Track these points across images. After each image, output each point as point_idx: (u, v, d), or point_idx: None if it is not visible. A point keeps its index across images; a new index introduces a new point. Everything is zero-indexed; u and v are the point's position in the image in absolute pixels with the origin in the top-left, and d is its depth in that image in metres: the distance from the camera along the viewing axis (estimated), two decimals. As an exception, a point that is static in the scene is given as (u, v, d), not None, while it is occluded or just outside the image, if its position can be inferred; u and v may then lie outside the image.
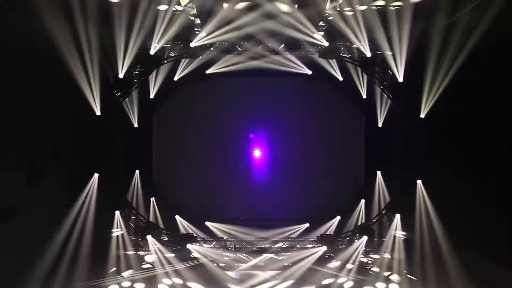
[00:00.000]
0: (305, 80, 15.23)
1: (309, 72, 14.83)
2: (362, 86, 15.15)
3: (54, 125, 11.64)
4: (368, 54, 12.58)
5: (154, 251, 12.86)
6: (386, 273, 12.07)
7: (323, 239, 13.37)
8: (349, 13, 11.82)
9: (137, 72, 13.02)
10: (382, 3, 11.38)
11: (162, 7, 11.55)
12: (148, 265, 12.82)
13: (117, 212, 12.87)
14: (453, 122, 11.99)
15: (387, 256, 12.95)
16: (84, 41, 11.25)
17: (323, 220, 14.79)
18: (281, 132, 16.22)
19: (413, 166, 12.82)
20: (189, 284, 11.62)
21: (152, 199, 15.44)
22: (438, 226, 11.79)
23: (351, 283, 11.69)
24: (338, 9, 11.74)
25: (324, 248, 13.11)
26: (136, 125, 15.24)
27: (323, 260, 12.96)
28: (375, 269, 12.53)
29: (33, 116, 10.87)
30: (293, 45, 13.12)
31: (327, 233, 14.08)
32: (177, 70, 14.81)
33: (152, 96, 15.17)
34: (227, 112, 15.95)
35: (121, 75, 12.48)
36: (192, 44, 12.58)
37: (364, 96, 15.30)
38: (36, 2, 9.63)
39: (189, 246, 13.08)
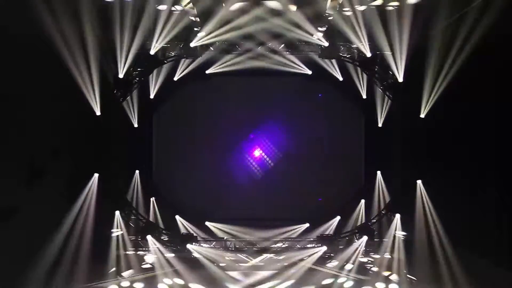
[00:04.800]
0: (305, 80, 15.22)
1: (309, 72, 14.83)
2: (362, 86, 15.14)
3: (54, 125, 11.64)
4: (368, 54, 12.58)
5: (154, 251, 12.86)
6: (386, 273, 12.07)
7: (323, 239, 13.38)
8: (349, 13, 11.82)
9: (137, 72, 13.02)
10: (382, 2, 11.37)
11: (162, 7, 11.54)
12: (148, 265, 12.83)
13: (117, 212, 12.86)
14: (453, 122, 11.99)
15: (387, 256, 12.95)
16: (84, 41, 11.25)
17: (323, 220, 14.79)
18: (281, 132, 16.22)
19: (413, 166, 12.81)
20: (189, 284, 11.62)
21: (152, 199, 15.44)
22: (438, 226, 11.79)
23: (351, 283, 11.68)
24: (338, 9, 11.74)
25: (324, 248, 13.12)
26: (136, 125, 15.24)
27: (323, 260, 12.97)
28: (375, 269, 12.53)
29: (33, 116, 10.87)
30: (293, 45, 13.13)
31: (327, 233, 14.08)
32: (177, 70, 14.80)
33: (152, 96, 15.18)
34: (227, 112, 15.94)
35: (121, 75, 12.48)
36: (192, 44, 12.58)
37: (364, 96, 15.30)
38: (36, 2, 9.63)
39: (189, 246, 13.07)
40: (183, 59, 14.12)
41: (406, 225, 12.83)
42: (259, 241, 13.83)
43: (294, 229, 14.64)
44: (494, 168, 11.04)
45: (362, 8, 11.52)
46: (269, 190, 15.98)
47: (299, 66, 14.48)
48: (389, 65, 12.57)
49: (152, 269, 12.49)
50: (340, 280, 11.80)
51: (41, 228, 10.71)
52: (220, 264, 12.86)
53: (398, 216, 12.93)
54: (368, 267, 12.74)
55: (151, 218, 14.76)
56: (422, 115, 12.29)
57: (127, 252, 12.94)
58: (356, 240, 13.18)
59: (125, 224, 12.96)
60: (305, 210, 15.26)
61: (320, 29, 12.51)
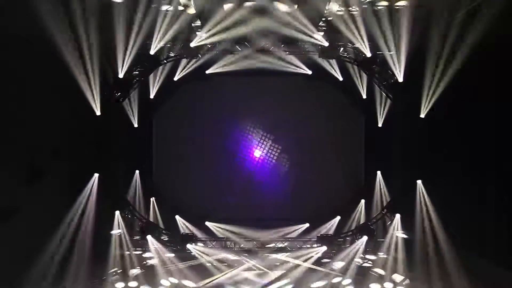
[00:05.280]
0: (305, 80, 15.23)
1: (309, 72, 14.84)
2: (362, 86, 15.14)
3: (54, 125, 11.65)
4: (368, 54, 12.58)
5: (154, 251, 12.86)
6: (386, 273, 12.07)
7: (323, 239, 13.38)
8: (349, 13, 11.81)
9: (137, 72, 13.02)
10: (382, 3, 11.38)
11: (162, 7, 11.55)
12: (148, 265, 12.83)
13: (117, 212, 12.87)
14: (453, 122, 12.00)
15: (387, 256, 12.95)
16: (84, 41, 11.26)
17: (323, 220, 14.79)
18: (281, 132, 16.22)
19: (413, 166, 12.81)
20: (188, 284, 11.62)
21: (152, 199, 15.44)
22: (438, 226, 11.79)
23: (351, 283, 11.69)
24: (338, 9, 11.73)
25: (324, 248, 13.11)
26: (136, 125, 15.24)
27: (323, 260, 12.97)
28: (375, 269, 12.53)
29: (33, 116, 10.88)
30: (293, 45, 13.12)
31: (327, 233, 14.08)
32: (177, 70, 14.80)
33: (152, 96, 15.18)
34: (227, 112, 15.94)
35: (121, 75, 12.48)
36: (192, 44, 12.58)
37: (364, 96, 15.30)
38: (37, 2, 9.64)
39: (189, 246, 13.08)
40: (183, 59, 14.12)
41: (406, 225, 12.82)
42: (259, 241, 13.82)
43: (294, 229, 14.64)
44: (494, 168, 11.05)
45: (362, 8, 11.52)
46: (269, 190, 15.98)
47: (299, 66, 14.48)
48: (389, 65, 12.56)
49: (152, 269, 12.48)
50: (339, 280, 11.79)
51: (41, 228, 10.72)
52: (220, 264, 12.85)
53: (398, 216, 12.93)
54: (368, 267, 12.73)
55: (151, 218, 14.76)
56: (422, 115, 12.29)
57: (127, 252, 12.94)
58: (356, 240, 13.18)
59: (125, 224, 12.96)
60: (305, 210, 15.26)
61: (320, 29, 12.51)
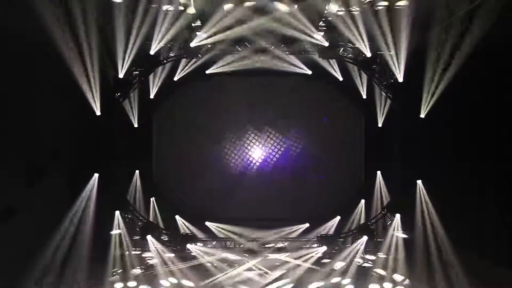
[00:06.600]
0: (305, 80, 15.23)
1: (309, 72, 14.84)
2: (362, 86, 15.15)
3: (54, 125, 11.64)
4: (368, 54, 12.58)
5: (154, 251, 12.87)
6: (386, 273, 12.07)
7: (323, 239, 13.38)
8: (349, 13, 11.82)
9: (137, 72, 13.02)
10: (382, 3, 11.38)
11: (162, 7, 11.55)
12: (148, 265, 12.83)
13: (117, 212, 12.87)
14: (453, 122, 12.00)
15: (387, 256, 12.95)
16: (84, 41, 11.26)
17: (323, 220, 14.79)
18: (281, 132, 16.23)
19: (413, 166, 12.81)
20: (188, 284, 11.62)
21: (152, 199, 15.45)
22: (438, 226, 11.79)
23: (351, 284, 11.68)
24: (338, 9, 11.74)
25: (324, 248, 13.12)
26: (136, 125, 15.25)
27: (323, 260, 12.97)
28: (375, 269, 12.53)
29: (33, 116, 10.87)
30: (293, 45, 13.13)
31: (327, 233, 14.09)
32: (177, 70, 14.81)
33: (152, 96, 15.18)
34: (227, 112, 15.95)
35: (121, 75, 12.49)
36: (192, 44, 12.59)
37: (364, 96, 15.31)
38: (37, 2, 9.64)
39: (189, 246, 13.08)
40: (183, 59, 14.12)
41: (406, 225, 12.82)
42: (259, 241, 13.82)
43: (294, 229, 14.65)
44: (494, 168, 11.05)
45: (362, 8, 11.52)
46: (269, 190, 15.98)
47: (299, 66, 14.49)
48: (389, 65, 12.57)
49: (152, 269, 12.48)
50: (340, 280, 11.80)
51: (41, 228, 10.71)
52: (220, 264, 12.86)
53: (398, 216, 12.93)
54: (368, 267, 12.73)
55: (151, 218, 14.76)
56: (422, 115, 12.30)
57: (127, 252, 12.94)
58: (356, 240, 13.18)
59: (125, 224, 12.96)
60: (305, 210, 15.26)
61: (320, 29, 12.51)
